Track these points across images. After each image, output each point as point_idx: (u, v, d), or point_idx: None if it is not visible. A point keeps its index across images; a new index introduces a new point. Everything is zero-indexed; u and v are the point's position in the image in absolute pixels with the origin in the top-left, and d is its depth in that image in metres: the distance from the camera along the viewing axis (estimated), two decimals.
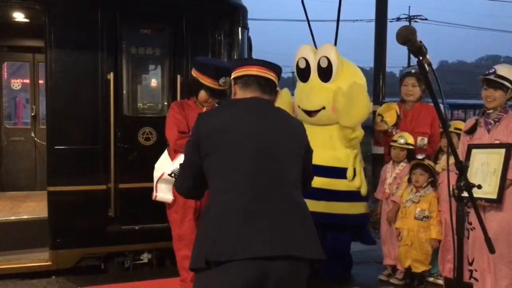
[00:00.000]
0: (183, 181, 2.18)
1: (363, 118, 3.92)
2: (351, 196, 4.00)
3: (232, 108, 2.12)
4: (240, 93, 2.14)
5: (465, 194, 1.87)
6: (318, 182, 3.89)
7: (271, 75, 2.14)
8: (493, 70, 3.35)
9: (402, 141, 4.05)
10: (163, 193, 3.32)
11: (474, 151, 3.35)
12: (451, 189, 2.09)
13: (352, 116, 3.84)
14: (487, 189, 3.09)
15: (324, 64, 3.98)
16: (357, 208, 4.03)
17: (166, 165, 3.29)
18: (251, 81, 2.11)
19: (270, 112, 2.11)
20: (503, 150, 3.18)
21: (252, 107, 2.07)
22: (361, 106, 3.85)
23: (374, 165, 7.95)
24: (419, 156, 3.90)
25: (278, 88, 2.25)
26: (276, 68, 2.20)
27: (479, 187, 1.92)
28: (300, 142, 2.13)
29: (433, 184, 3.91)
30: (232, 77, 2.18)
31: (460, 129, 3.76)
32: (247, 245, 1.81)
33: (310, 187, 2.33)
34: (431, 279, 4.11)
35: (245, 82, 2.12)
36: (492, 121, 3.37)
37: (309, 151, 2.21)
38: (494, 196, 3.13)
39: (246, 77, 2.12)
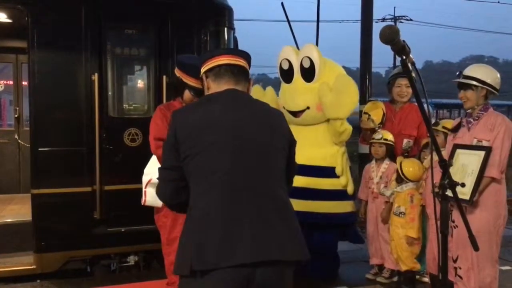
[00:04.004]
0: (167, 188, 2.04)
1: (353, 107, 3.93)
2: (337, 195, 4.02)
3: (209, 104, 2.00)
4: (213, 86, 2.06)
5: (448, 192, 1.89)
6: (303, 181, 3.91)
7: (242, 63, 2.08)
8: (458, 72, 3.45)
9: (379, 136, 4.09)
10: (152, 198, 3.29)
11: (458, 151, 3.39)
12: (433, 186, 2.11)
13: (343, 107, 3.86)
14: (463, 189, 3.11)
15: (306, 64, 4.00)
16: (343, 207, 4.05)
17: (155, 170, 3.26)
18: (223, 71, 2.04)
19: (250, 106, 2.04)
20: (482, 153, 3.22)
21: (231, 102, 1.99)
22: (351, 94, 3.88)
23: (360, 165, 8.01)
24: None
25: (251, 78, 2.17)
26: (245, 55, 2.13)
27: (463, 185, 1.94)
28: (283, 136, 2.07)
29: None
30: (202, 71, 2.11)
31: (447, 128, 3.81)
32: (231, 252, 1.77)
33: (292, 184, 2.25)
34: (417, 277, 4.15)
35: (217, 73, 2.04)
36: (472, 120, 3.43)
37: (292, 145, 2.14)
38: (467, 197, 3.16)
39: (217, 68, 2.04)
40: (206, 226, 1.83)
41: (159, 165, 3.15)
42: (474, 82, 3.34)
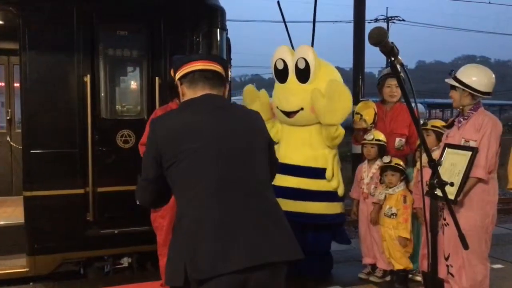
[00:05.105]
0: (146, 195, 2.06)
1: (347, 113, 3.95)
2: (328, 196, 4.04)
3: (188, 110, 1.99)
4: (189, 93, 2.04)
5: (438, 192, 1.91)
6: (295, 182, 3.94)
7: (216, 67, 2.06)
8: (450, 72, 3.49)
9: (370, 137, 4.11)
10: None
11: (448, 150, 3.42)
12: (423, 185, 2.13)
13: (337, 113, 3.87)
14: (450, 189, 3.13)
15: (301, 65, 4.00)
16: (333, 208, 4.07)
17: None
18: (197, 77, 2.03)
19: (229, 109, 2.05)
20: (469, 153, 3.24)
21: (210, 106, 1.98)
22: (345, 101, 3.90)
23: (354, 165, 8.05)
24: (385, 159, 3.96)
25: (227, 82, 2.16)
26: (220, 60, 2.14)
27: (452, 184, 1.97)
28: (263, 136, 2.08)
29: (407, 181, 3.99)
30: (176, 78, 2.10)
31: (437, 127, 3.84)
32: (226, 259, 1.76)
33: (273, 179, 2.24)
34: (409, 276, 4.17)
35: (191, 79, 2.03)
36: (462, 119, 3.47)
37: (271, 144, 2.16)
38: (452, 197, 3.19)
39: (191, 74, 2.03)
40: (198, 233, 1.81)
41: None
42: (456, 84, 3.39)
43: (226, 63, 2.18)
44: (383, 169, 3.98)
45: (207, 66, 2.05)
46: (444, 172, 3.26)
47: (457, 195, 3.19)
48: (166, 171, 1.91)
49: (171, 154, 1.89)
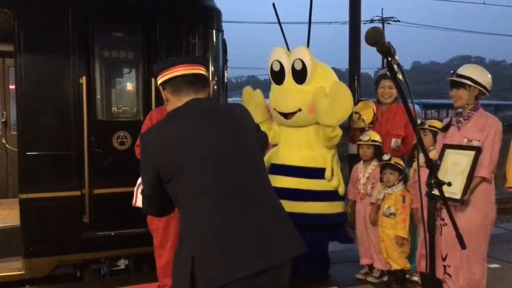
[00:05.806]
0: (151, 206, 2.06)
1: (347, 115, 3.98)
2: (328, 195, 4.04)
3: (176, 121, 1.94)
4: (173, 99, 2.01)
5: (436, 192, 1.91)
6: (294, 182, 3.94)
7: (198, 69, 2.02)
8: (452, 71, 3.50)
9: (366, 138, 4.11)
10: None
11: (447, 151, 3.42)
12: (420, 185, 2.13)
13: (336, 114, 3.89)
14: (453, 189, 3.12)
15: (298, 66, 4.01)
16: (334, 207, 4.07)
17: None
18: (179, 82, 1.99)
19: (217, 112, 2.00)
20: (472, 153, 3.25)
21: (198, 114, 1.94)
22: (346, 103, 3.91)
23: (351, 165, 8.05)
24: (385, 157, 3.96)
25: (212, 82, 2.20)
26: (200, 60, 2.11)
27: (449, 184, 1.97)
28: (252, 128, 2.07)
29: (405, 180, 3.99)
30: (158, 83, 2.06)
31: (435, 127, 3.85)
32: (233, 266, 1.75)
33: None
34: (406, 276, 4.18)
35: (173, 85, 2.00)
36: (462, 119, 3.47)
37: (258, 128, 2.16)
38: (458, 196, 3.20)
39: (173, 80, 1.99)
40: (203, 241, 1.81)
41: None
42: (468, 82, 3.38)
43: (207, 61, 2.17)
44: (383, 167, 3.99)
45: (188, 70, 2.00)
46: (444, 173, 3.26)
47: (464, 194, 3.20)
48: (167, 183, 1.89)
49: (167, 170, 1.86)
